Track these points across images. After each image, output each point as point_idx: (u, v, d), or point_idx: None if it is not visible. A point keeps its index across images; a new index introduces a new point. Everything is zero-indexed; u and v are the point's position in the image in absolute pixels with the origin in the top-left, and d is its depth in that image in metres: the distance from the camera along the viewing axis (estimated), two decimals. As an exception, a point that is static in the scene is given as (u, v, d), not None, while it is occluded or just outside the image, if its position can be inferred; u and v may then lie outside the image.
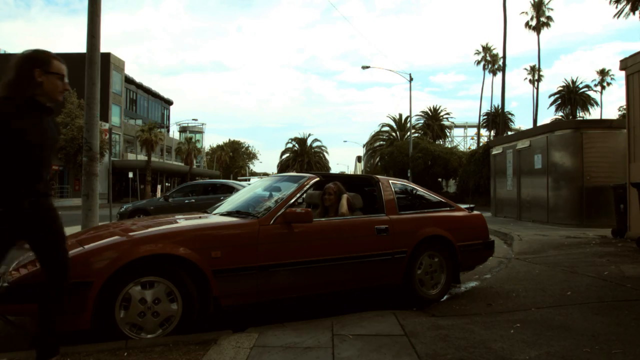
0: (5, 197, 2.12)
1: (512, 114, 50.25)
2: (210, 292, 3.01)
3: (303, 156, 56.27)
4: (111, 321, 2.75)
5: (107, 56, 35.18)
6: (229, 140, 69.91)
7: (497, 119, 42.28)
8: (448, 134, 48.05)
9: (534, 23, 40.12)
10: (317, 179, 3.90)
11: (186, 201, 11.34)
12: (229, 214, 3.83)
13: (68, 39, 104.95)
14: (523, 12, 41.15)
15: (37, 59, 2.22)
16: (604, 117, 44.34)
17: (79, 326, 2.68)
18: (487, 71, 46.13)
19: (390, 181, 4.28)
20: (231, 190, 11.34)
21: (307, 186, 3.80)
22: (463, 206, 4.63)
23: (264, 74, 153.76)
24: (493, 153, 14.68)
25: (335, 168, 73.42)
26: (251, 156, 72.67)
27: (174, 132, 53.96)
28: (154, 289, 2.86)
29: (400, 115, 44.65)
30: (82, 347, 2.64)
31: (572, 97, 46.35)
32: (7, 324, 2.82)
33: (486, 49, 45.95)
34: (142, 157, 38.90)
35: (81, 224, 6.39)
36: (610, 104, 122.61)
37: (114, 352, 2.57)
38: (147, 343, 2.71)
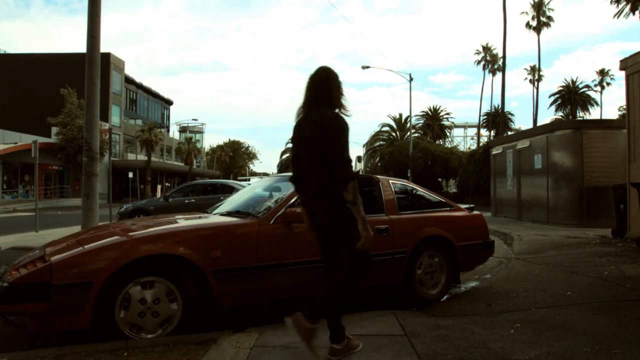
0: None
1: (512, 114, 50.31)
2: (210, 292, 3.01)
3: (303, 156, 56.12)
4: (111, 321, 2.75)
5: (107, 56, 35.20)
6: (229, 140, 69.93)
7: (497, 119, 42.30)
8: (448, 134, 48.07)
9: (534, 23, 40.11)
10: (317, 179, 3.89)
11: (186, 201, 11.35)
12: (229, 214, 3.83)
13: (68, 38, 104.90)
14: (523, 12, 41.17)
15: (337, 78, 2.57)
16: (604, 117, 44.34)
17: (79, 326, 2.68)
18: (487, 71, 46.22)
19: (390, 181, 4.28)
20: (231, 190, 11.38)
21: (307, 186, 3.79)
22: (463, 206, 4.63)
23: (263, 74, 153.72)
24: (493, 153, 14.67)
25: (335, 168, 73.00)
26: (251, 156, 72.63)
27: (174, 132, 54.03)
28: (154, 289, 2.86)
29: (400, 115, 44.65)
30: (82, 347, 2.65)
31: (572, 97, 46.34)
32: (7, 324, 2.82)
33: (486, 48, 45.98)
34: (142, 157, 38.91)
35: (81, 224, 6.40)
36: (610, 104, 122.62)
37: (114, 352, 2.57)
38: (147, 343, 2.72)
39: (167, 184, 43.13)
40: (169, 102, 53.38)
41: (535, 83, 43.26)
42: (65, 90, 28.95)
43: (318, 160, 2.44)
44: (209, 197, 11.29)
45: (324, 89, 2.51)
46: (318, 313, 2.41)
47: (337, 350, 2.48)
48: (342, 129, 2.42)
